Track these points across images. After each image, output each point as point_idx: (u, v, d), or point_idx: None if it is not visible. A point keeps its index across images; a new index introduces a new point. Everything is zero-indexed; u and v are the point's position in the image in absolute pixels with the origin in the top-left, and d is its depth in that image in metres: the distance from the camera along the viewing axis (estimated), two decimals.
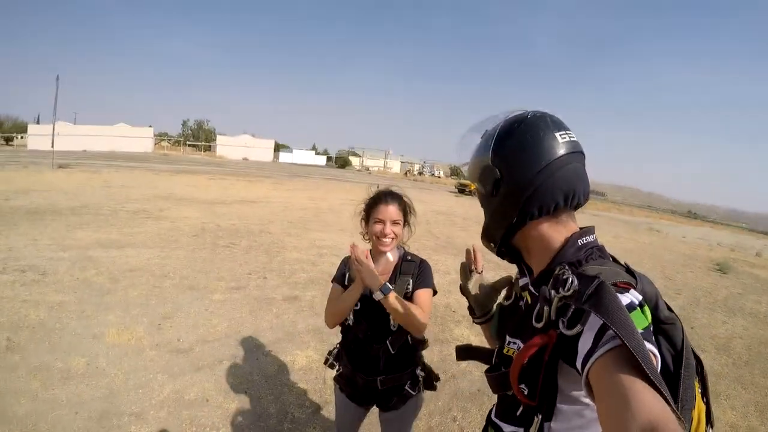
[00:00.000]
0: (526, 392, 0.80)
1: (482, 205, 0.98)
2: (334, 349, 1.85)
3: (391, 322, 1.63)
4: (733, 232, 37.83)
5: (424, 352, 1.86)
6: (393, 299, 1.49)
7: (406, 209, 1.71)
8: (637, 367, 0.58)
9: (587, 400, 0.79)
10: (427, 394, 3.11)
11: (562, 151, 0.85)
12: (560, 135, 0.86)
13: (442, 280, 6.41)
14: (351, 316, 1.68)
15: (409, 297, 1.63)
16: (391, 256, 1.68)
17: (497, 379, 0.92)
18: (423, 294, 1.63)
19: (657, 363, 0.67)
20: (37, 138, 32.49)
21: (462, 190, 31.51)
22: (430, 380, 1.79)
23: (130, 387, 2.83)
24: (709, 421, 0.78)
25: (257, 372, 3.21)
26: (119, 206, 9.14)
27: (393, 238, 1.64)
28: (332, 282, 1.75)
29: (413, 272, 1.66)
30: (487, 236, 0.98)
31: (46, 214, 7.70)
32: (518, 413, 0.87)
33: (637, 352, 0.57)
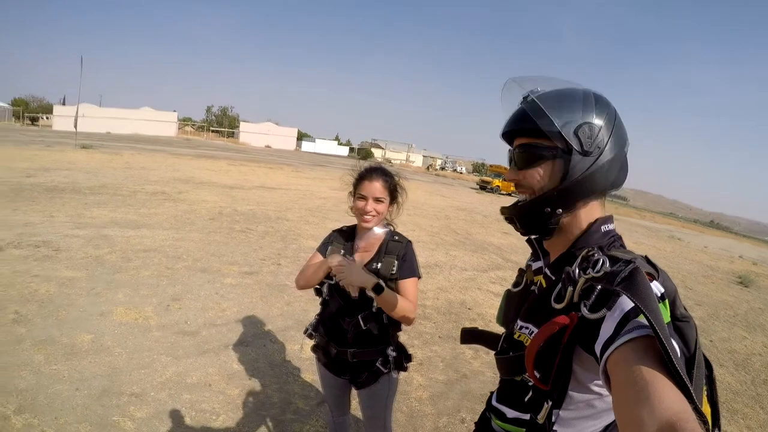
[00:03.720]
0: (539, 376, 0.78)
1: (550, 163, 0.84)
2: (314, 320, 1.83)
3: (374, 304, 1.59)
4: (755, 244, 36.67)
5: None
6: (385, 295, 1.49)
7: (393, 187, 1.69)
8: (661, 359, 0.56)
9: (600, 390, 0.79)
10: (436, 393, 3.02)
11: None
12: None
13: (459, 276, 6.26)
14: (326, 290, 1.68)
15: (395, 281, 1.61)
16: (378, 230, 1.67)
17: (510, 362, 0.91)
18: (410, 285, 1.62)
19: None
20: (62, 119, 33.00)
21: (483, 186, 31.17)
22: (401, 361, 1.75)
23: (132, 366, 2.76)
24: (717, 424, 0.75)
25: (263, 359, 3.11)
26: (138, 187, 9.19)
27: (374, 216, 1.62)
28: (316, 250, 1.75)
29: (399, 253, 1.63)
30: (561, 200, 0.83)
31: (65, 192, 7.77)
32: (526, 399, 0.86)
33: (668, 344, 0.55)
